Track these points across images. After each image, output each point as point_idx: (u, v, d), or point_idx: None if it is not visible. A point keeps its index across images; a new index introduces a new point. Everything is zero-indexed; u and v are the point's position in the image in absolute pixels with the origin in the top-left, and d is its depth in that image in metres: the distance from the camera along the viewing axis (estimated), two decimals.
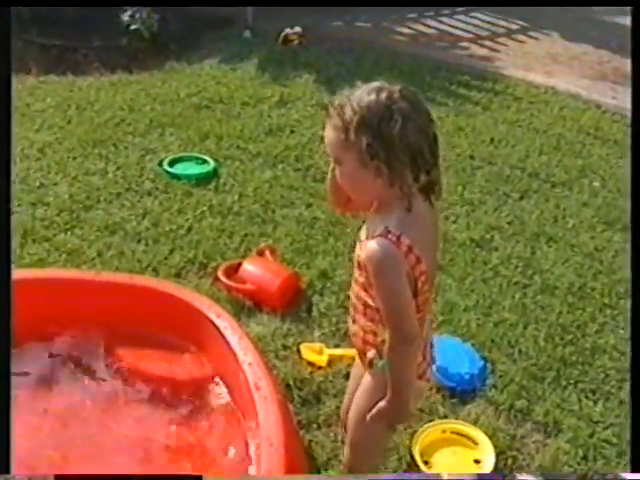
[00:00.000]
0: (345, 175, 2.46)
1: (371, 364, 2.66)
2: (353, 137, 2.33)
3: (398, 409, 2.57)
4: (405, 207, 2.41)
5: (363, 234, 2.57)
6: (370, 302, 2.56)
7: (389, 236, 2.37)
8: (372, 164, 2.34)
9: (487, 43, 8.89)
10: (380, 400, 2.58)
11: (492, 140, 6.34)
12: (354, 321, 2.70)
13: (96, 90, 6.81)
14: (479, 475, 3.20)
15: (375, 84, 2.39)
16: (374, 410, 2.59)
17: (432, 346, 2.78)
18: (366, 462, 2.92)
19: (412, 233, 2.39)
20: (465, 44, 8.84)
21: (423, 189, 2.43)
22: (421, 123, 2.35)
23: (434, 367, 2.86)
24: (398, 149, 2.32)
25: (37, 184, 5.26)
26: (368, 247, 2.39)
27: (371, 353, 2.65)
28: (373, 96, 2.34)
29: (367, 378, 2.72)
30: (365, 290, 2.57)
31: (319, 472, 3.19)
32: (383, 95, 2.34)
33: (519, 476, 3.01)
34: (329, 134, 2.44)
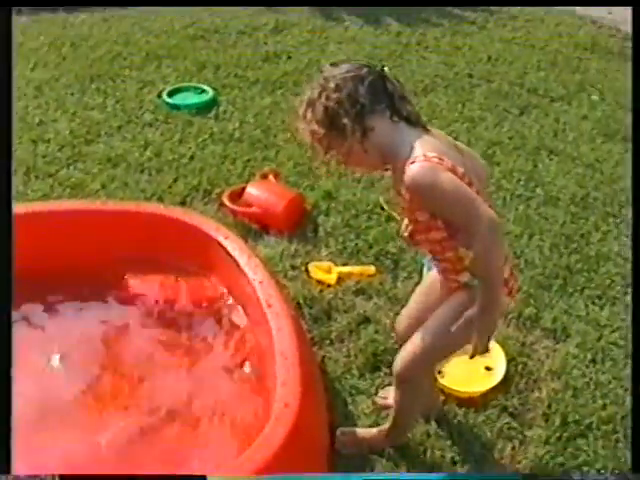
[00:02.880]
0: (344, 159, 2.54)
1: (465, 285, 2.61)
2: (327, 130, 2.44)
3: (493, 312, 2.47)
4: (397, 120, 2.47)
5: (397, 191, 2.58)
6: (440, 235, 2.54)
7: (417, 160, 2.37)
8: (336, 131, 2.44)
9: None
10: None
11: (489, 58, 6.36)
12: (440, 261, 2.65)
13: (89, 26, 6.79)
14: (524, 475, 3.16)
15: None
16: (464, 319, 2.49)
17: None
18: (428, 372, 2.89)
19: (430, 146, 2.41)
20: None
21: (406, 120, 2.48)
22: (359, 80, 2.43)
23: None
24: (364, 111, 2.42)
25: (36, 121, 5.28)
26: (407, 178, 2.38)
27: (465, 276, 2.59)
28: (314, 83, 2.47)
29: (458, 295, 2.63)
30: (430, 230, 2.55)
31: (333, 385, 3.24)
32: (325, 82, 2.44)
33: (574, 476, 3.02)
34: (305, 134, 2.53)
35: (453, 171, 2.37)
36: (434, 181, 2.34)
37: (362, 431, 3.03)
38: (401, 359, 2.72)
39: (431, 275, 2.85)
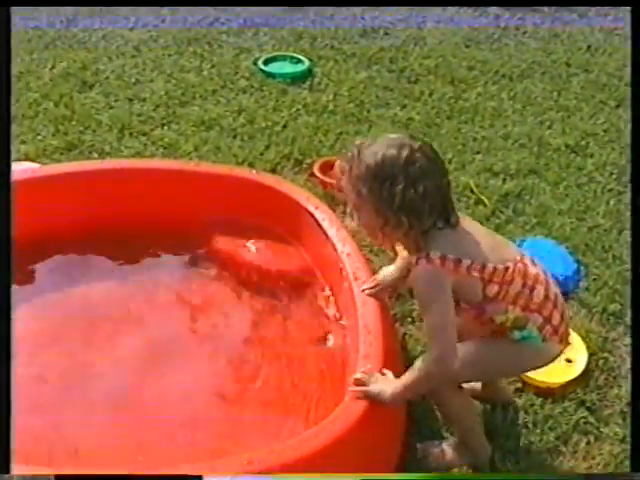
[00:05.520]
0: (365, 224, 2.57)
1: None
2: (368, 193, 2.44)
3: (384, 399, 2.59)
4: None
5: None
6: (472, 315, 2.62)
7: (419, 262, 2.46)
8: (392, 218, 2.45)
9: None
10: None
11: (589, 47, 6.23)
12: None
13: None
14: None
15: (396, 139, 2.47)
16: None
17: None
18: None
19: (452, 248, 2.47)
20: None
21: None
22: (437, 179, 2.47)
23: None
24: (417, 206, 2.42)
25: (133, 80, 5.37)
26: (413, 276, 2.53)
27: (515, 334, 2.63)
28: (393, 152, 2.42)
29: (502, 341, 2.66)
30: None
31: (412, 363, 3.23)
32: (404, 153, 2.41)
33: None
34: (346, 187, 2.53)
35: (456, 266, 2.45)
36: (425, 290, 2.49)
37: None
38: None
39: None
